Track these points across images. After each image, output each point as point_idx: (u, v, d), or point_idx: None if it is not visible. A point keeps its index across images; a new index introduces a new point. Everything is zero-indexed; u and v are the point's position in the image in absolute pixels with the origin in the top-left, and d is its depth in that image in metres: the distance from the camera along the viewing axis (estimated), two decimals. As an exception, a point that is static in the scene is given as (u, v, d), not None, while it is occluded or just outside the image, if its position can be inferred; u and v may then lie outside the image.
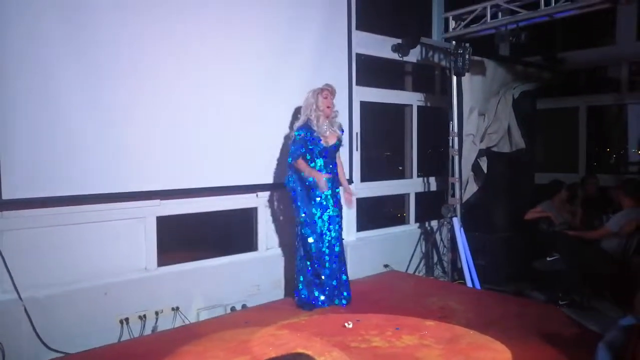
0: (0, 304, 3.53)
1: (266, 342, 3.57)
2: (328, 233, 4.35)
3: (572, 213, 5.89)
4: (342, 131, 4.61)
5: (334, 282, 4.38)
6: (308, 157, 4.34)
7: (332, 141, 4.39)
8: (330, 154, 4.40)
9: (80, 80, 3.76)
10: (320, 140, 4.33)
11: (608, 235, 5.05)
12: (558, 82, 6.98)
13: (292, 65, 4.91)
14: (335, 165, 4.48)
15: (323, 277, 4.33)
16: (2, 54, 3.43)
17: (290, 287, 4.75)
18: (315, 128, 4.31)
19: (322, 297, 4.34)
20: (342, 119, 5.26)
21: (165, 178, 4.19)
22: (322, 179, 4.26)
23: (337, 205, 4.45)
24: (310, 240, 4.31)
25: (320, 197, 4.33)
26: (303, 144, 4.31)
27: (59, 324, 3.71)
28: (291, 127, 4.66)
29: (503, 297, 4.87)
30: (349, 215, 5.54)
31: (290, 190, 4.38)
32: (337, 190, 4.48)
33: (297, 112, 4.67)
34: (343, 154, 5.12)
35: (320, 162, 4.35)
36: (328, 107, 4.36)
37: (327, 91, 4.39)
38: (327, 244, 4.35)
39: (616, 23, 6.56)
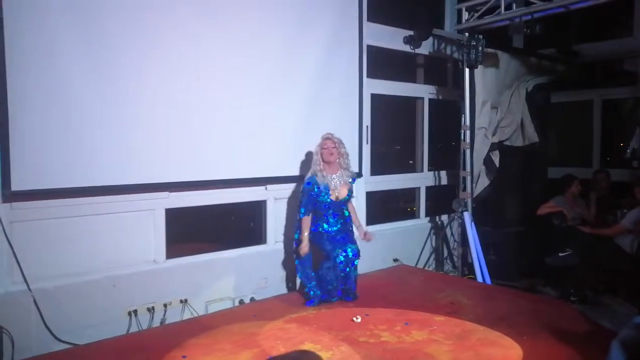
0: (10, 295, 3.55)
1: (274, 335, 3.57)
2: (339, 257, 4.26)
3: (584, 208, 5.81)
4: (354, 179, 4.50)
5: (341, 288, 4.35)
6: (317, 207, 4.32)
7: (342, 195, 4.35)
8: (340, 207, 4.38)
9: (91, 73, 3.75)
10: (329, 195, 4.29)
11: (623, 232, 4.98)
12: (573, 75, 6.86)
13: (302, 57, 4.87)
14: (345, 217, 4.47)
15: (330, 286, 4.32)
16: (13, 49, 3.43)
17: (299, 281, 4.74)
18: (320, 182, 4.27)
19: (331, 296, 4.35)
20: (352, 111, 5.24)
21: (174, 170, 4.19)
22: (304, 249, 4.26)
23: (346, 247, 4.31)
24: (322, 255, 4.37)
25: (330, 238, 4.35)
26: (312, 200, 4.28)
27: (68, 315, 3.73)
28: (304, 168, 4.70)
29: (514, 292, 4.82)
30: (359, 209, 5.50)
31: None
32: (348, 234, 4.46)
33: (309, 155, 4.66)
34: (353, 148, 5.08)
35: (330, 212, 4.34)
36: (331, 154, 4.28)
37: (327, 140, 4.32)
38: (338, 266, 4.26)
39: (634, 14, 6.41)
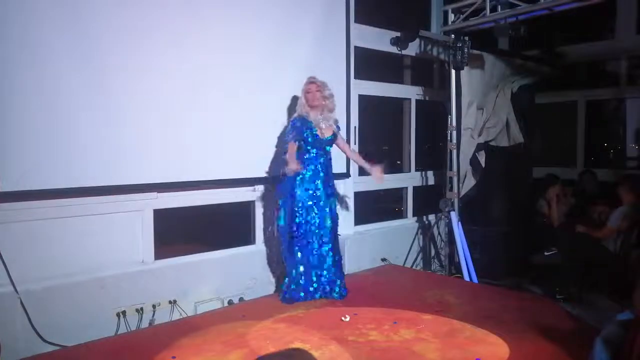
0: (-4, 297, 3.52)
1: (263, 335, 3.57)
2: (315, 217, 4.31)
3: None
4: (339, 128, 4.54)
5: (324, 273, 4.34)
6: (303, 144, 4.32)
7: (327, 134, 4.35)
8: (323, 146, 4.35)
9: (77, 73, 3.73)
10: (316, 130, 4.30)
11: (613, 233, 5.03)
12: (557, 76, 6.96)
13: (289, 58, 4.88)
14: (327, 160, 4.42)
15: (303, 266, 4.30)
16: (1, 50, 3.41)
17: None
18: (310, 119, 4.30)
19: (311, 288, 4.33)
20: (340, 112, 5.24)
21: (162, 171, 4.17)
22: (293, 167, 4.15)
23: (327, 201, 4.37)
24: (298, 221, 4.29)
25: (309, 189, 4.31)
26: (298, 132, 4.28)
27: (56, 317, 3.70)
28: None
29: (500, 290, 4.87)
30: (347, 209, 5.54)
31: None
32: (329, 187, 4.42)
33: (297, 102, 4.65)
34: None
35: (313, 151, 4.32)
36: (315, 99, 4.29)
37: (311, 84, 4.32)
38: (314, 231, 4.31)
39: (616, 16, 6.53)
